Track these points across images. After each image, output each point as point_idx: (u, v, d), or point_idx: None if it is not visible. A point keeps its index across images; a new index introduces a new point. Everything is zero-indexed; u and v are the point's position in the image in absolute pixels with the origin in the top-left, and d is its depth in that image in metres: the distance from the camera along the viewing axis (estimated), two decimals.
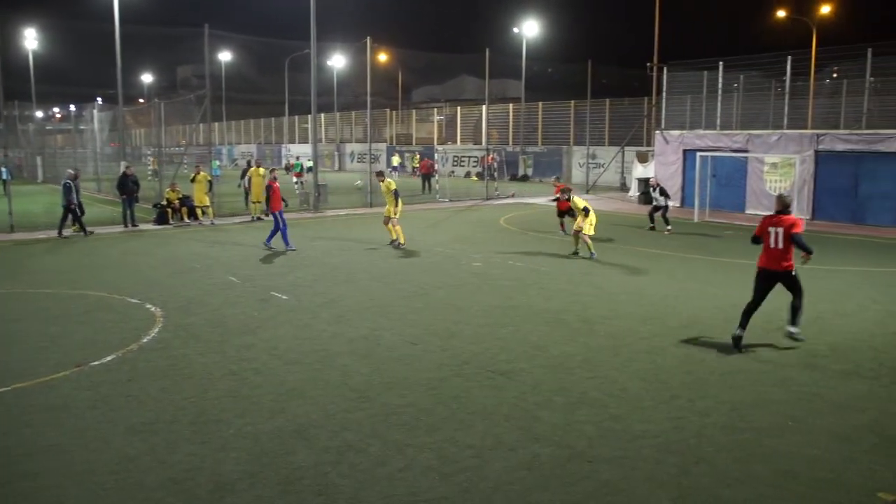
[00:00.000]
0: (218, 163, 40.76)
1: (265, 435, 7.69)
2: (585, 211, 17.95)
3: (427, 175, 38.94)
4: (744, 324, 10.62)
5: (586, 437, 7.55)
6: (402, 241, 19.78)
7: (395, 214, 19.69)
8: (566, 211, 21.42)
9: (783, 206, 10.77)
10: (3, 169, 35.04)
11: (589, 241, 17.87)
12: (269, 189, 20.16)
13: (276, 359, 10.28)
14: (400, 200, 19.75)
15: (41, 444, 7.61)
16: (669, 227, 22.95)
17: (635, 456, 7.11)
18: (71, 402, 8.80)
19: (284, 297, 14.03)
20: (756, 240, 11.02)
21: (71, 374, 9.75)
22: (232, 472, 6.87)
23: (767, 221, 10.78)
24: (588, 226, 17.88)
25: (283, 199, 20.49)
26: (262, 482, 6.68)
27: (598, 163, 42.14)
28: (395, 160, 50.04)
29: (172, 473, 6.88)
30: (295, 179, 40.08)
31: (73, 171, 24.44)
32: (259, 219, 26.61)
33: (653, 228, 23.35)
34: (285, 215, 20.19)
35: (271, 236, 19.88)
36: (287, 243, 19.59)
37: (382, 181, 20.31)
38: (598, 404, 8.43)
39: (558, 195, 22.24)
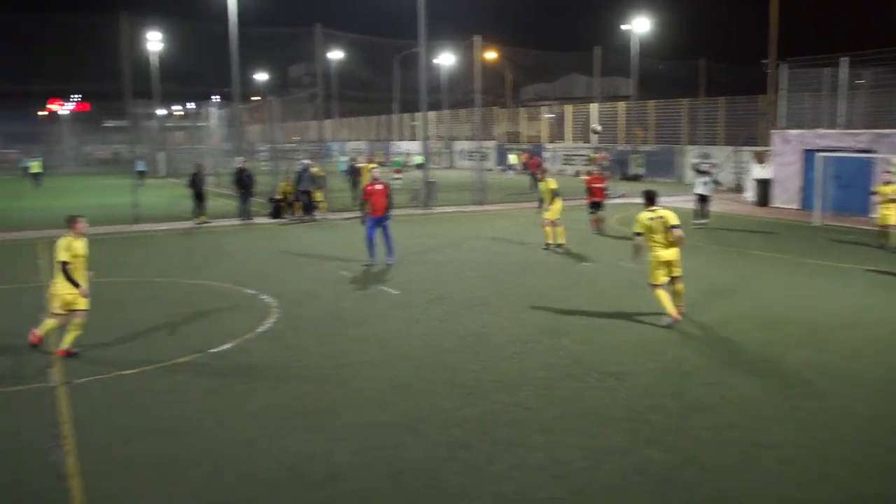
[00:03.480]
0: (344, 158, 41.63)
1: (376, 427, 7.79)
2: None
3: (536, 173, 38.64)
4: None
5: (701, 443, 7.34)
6: (562, 241, 18.86)
7: (552, 215, 18.87)
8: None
9: None
10: (140, 162, 36.82)
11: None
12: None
13: (387, 353, 10.41)
14: (558, 200, 18.87)
15: (163, 425, 7.96)
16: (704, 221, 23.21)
17: (753, 466, 6.87)
18: (190, 387, 9.17)
19: (395, 292, 14.20)
20: None
21: (191, 361, 10.14)
22: (344, 462, 7.00)
23: None
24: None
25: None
26: (374, 473, 6.77)
27: (712, 162, 40.95)
28: (512, 158, 49.64)
29: (287, 459, 7.06)
30: (395, 176, 40.55)
31: (309, 161, 27.17)
32: None
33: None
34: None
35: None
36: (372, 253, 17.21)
37: (542, 180, 19.81)
38: (714, 410, 8.18)
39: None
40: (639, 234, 11.51)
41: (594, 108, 50.61)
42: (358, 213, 17.93)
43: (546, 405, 8.35)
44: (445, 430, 7.70)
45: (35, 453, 7.34)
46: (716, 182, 24.45)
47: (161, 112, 61.18)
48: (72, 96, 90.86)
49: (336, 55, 67.00)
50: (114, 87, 28.90)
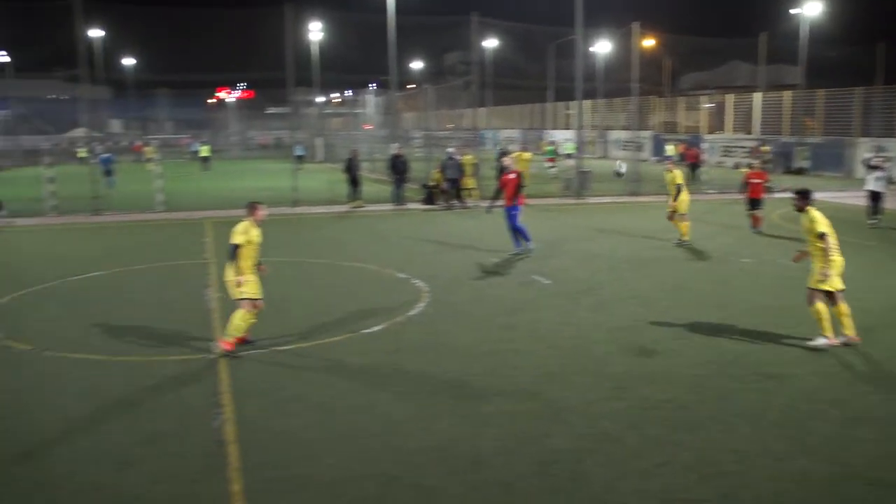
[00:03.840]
0: (501, 146, 42.05)
1: (523, 415, 7.79)
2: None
3: (694, 165, 37.40)
4: None
5: (866, 456, 6.89)
6: (684, 237, 18.25)
7: (679, 209, 18.30)
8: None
9: None
10: (298, 147, 38.34)
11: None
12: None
13: (536, 341, 10.39)
14: (683, 194, 18.30)
15: (314, 400, 8.30)
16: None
17: None
18: (342, 365, 9.49)
19: (546, 282, 14.13)
20: None
21: (343, 340, 10.48)
22: (490, 448, 7.04)
23: None
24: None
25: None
26: (519, 460, 6.78)
27: (886, 156, 38.34)
28: (670, 149, 48.16)
29: (434, 442, 7.18)
30: (547, 164, 40.34)
31: (453, 149, 27.30)
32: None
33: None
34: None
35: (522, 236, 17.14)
36: (517, 242, 17.07)
37: (669, 172, 18.98)
38: (882, 422, 7.65)
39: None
40: (824, 234, 9.87)
41: (757, 97, 48.55)
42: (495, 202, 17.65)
43: (697, 403, 8.10)
44: (592, 421, 7.61)
45: (197, 419, 7.80)
46: (890, 179, 22.64)
47: (320, 99, 63.35)
48: (238, 85, 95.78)
49: (490, 43, 67.20)
50: (277, 76, 30.22)
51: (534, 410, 7.91)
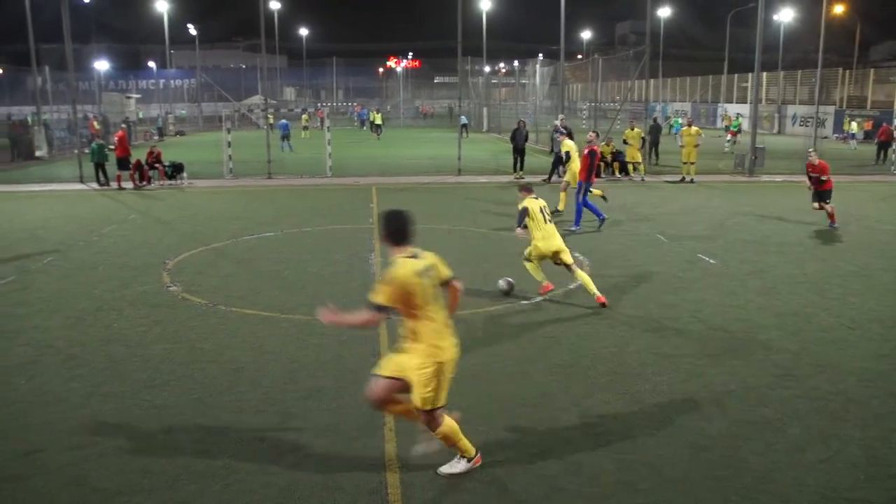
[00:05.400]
0: (680, 120, 40.78)
1: (680, 396, 7.59)
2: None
3: (885, 143, 34.67)
4: None
5: None
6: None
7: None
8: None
9: None
10: (462, 117, 38.92)
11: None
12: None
13: (698, 322, 10.06)
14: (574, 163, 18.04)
15: (469, 367, 8.23)
16: None
17: None
18: (499, 334, 9.58)
19: (712, 261, 13.64)
20: None
21: (501, 310, 10.56)
22: (643, 427, 6.92)
23: None
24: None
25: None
26: (671, 442, 6.62)
27: None
28: (854, 126, 44.84)
29: (586, 418, 7.12)
30: (729, 137, 38.89)
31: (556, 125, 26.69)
32: (691, 180, 25.84)
33: None
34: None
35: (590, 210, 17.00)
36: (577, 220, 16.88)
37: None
38: None
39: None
40: None
41: None
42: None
43: (870, 398, 7.58)
44: (752, 408, 7.31)
45: (356, 377, 8.03)
46: None
47: (486, 69, 63.42)
48: (406, 54, 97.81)
49: (664, 12, 65.03)
50: (445, 46, 30.58)
51: (691, 391, 7.69)
